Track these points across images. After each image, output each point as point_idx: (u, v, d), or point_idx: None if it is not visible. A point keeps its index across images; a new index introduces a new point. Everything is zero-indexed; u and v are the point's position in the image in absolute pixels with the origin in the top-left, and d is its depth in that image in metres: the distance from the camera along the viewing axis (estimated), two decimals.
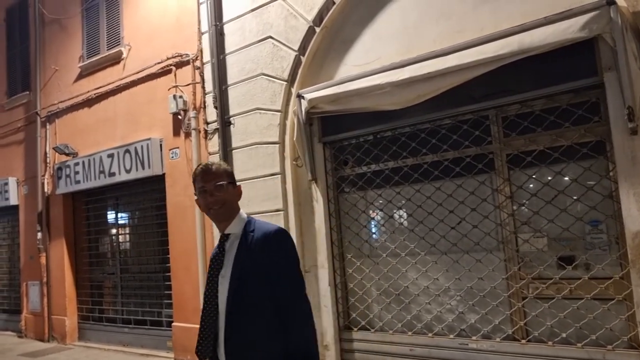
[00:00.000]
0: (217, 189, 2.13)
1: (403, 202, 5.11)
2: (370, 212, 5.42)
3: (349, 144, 5.45)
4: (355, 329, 5.29)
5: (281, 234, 2.13)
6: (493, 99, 4.43)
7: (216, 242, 2.28)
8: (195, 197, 2.21)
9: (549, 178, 4.29)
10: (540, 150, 4.28)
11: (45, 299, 8.64)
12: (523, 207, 4.43)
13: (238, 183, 2.29)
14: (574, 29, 3.77)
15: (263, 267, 2.04)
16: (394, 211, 5.23)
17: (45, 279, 8.65)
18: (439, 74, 4.38)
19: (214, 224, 6.52)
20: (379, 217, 5.37)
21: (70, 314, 8.36)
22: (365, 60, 5.17)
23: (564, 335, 4.10)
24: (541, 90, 4.19)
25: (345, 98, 5.00)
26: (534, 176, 4.38)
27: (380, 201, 5.30)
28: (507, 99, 4.37)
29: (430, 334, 4.81)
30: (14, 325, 9.56)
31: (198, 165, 2.21)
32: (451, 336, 4.69)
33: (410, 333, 4.93)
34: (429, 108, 4.70)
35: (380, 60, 5.00)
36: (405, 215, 5.14)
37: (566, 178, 4.23)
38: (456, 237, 4.72)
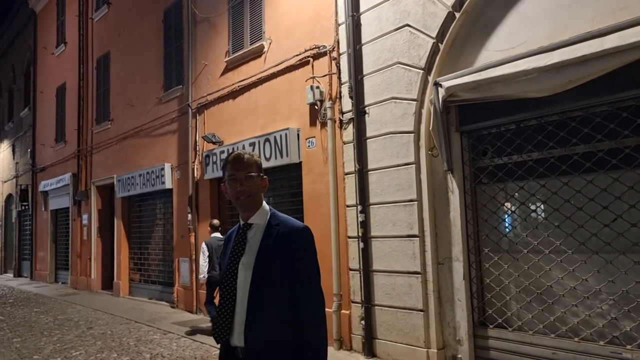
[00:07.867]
0: (246, 179, 2.14)
1: (548, 195, 4.77)
2: (511, 205, 5.14)
3: (489, 133, 5.21)
4: (491, 326, 5.08)
5: (308, 232, 2.17)
6: None
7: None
8: (223, 184, 2.23)
9: None
10: None
11: (194, 275, 9.47)
12: None
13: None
14: None
15: (288, 260, 2.09)
16: (538, 205, 4.91)
17: (194, 257, 9.50)
18: (596, 56, 4.02)
19: (347, 212, 6.55)
20: (520, 211, 5.08)
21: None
22: (509, 44, 4.89)
23: None
24: None
25: (487, 85, 4.79)
26: None
27: (522, 194, 5.01)
28: None
29: (576, 339, 4.47)
30: (167, 297, 10.67)
31: (230, 153, 2.23)
32: (601, 343, 4.31)
33: (553, 335, 4.62)
34: (580, 94, 4.34)
35: (526, 44, 4.71)
36: (550, 209, 4.79)
37: None
38: (610, 236, 4.31)
